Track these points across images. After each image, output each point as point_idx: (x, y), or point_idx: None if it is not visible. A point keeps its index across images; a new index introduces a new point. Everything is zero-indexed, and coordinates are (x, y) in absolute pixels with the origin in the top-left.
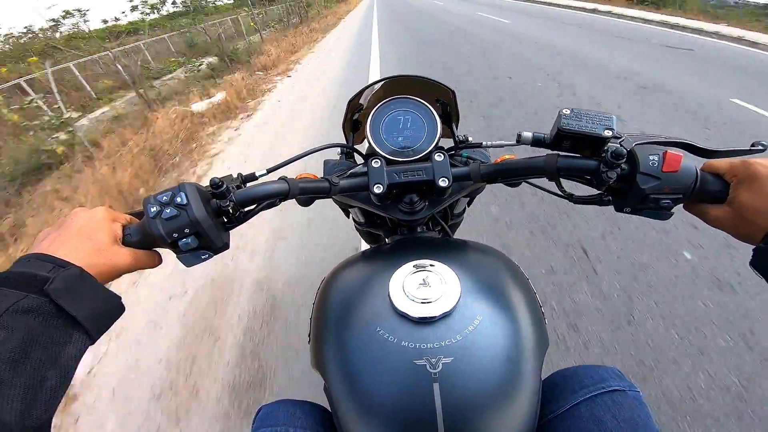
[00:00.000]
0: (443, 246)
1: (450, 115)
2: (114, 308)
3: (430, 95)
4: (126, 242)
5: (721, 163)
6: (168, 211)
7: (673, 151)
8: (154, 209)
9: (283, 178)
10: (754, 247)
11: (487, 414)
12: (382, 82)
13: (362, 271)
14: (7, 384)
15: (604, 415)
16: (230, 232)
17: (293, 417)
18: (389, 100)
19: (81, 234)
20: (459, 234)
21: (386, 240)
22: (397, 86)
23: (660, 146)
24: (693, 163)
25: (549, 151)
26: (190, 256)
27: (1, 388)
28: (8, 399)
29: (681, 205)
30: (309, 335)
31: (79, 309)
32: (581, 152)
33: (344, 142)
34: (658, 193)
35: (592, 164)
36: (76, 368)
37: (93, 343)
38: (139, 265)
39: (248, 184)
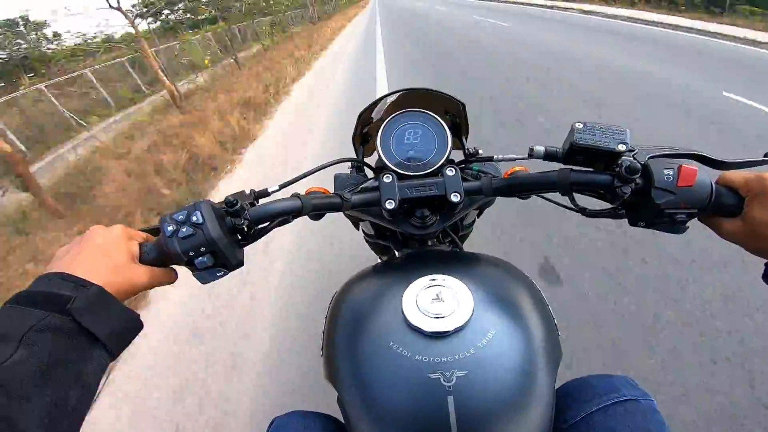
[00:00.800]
0: (455, 259)
1: (460, 128)
2: (133, 325)
3: (440, 108)
4: (143, 260)
5: (735, 176)
6: (184, 230)
7: (687, 164)
8: (170, 228)
9: (296, 195)
10: (766, 262)
11: (502, 425)
12: (392, 96)
13: (374, 285)
14: (31, 402)
15: (618, 425)
16: (244, 249)
17: (306, 429)
18: (399, 114)
19: (100, 252)
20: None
21: (396, 253)
22: (406, 99)
23: (674, 159)
24: (708, 177)
25: (561, 166)
26: (206, 274)
27: (27, 406)
28: (33, 417)
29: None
30: (322, 348)
31: (101, 327)
32: (594, 166)
33: (354, 155)
34: (674, 208)
35: (606, 179)
36: (98, 385)
37: (113, 359)
38: (156, 283)
39: (261, 200)
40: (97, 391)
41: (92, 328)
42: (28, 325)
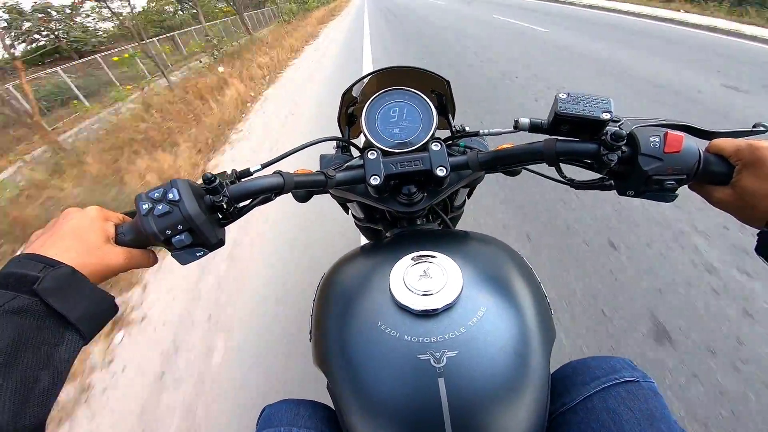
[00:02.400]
0: (444, 237)
1: (446, 106)
2: (107, 308)
3: (425, 86)
4: (119, 241)
5: (726, 143)
6: (160, 207)
7: (674, 131)
8: (145, 206)
9: (278, 172)
10: (758, 232)
11: (495, 408)
12: (376, 74)
13: (362, 265)
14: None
15: (618, 407)
16: (225, 228)
17: (297, 416)
18: (384, 92)
19: (73, 234)
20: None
21: (386, 234)
22: (391, 78)
23: (660, 128)
24: (695, 143)
25: (547, 137)
26: (184, 254)
27: None
28: (0, 400)
29: (686, 186)
30: (310, 333)
31: (71, 309)
32: (580, 136)
33: (340, 136)
34: (662, 174)
35: (592, 147)
36: (69, 368)
37: (86, 343)
38: (133, 264)
39: (243, 180)
40: (68, 373)
41: (62, 310)
42: None
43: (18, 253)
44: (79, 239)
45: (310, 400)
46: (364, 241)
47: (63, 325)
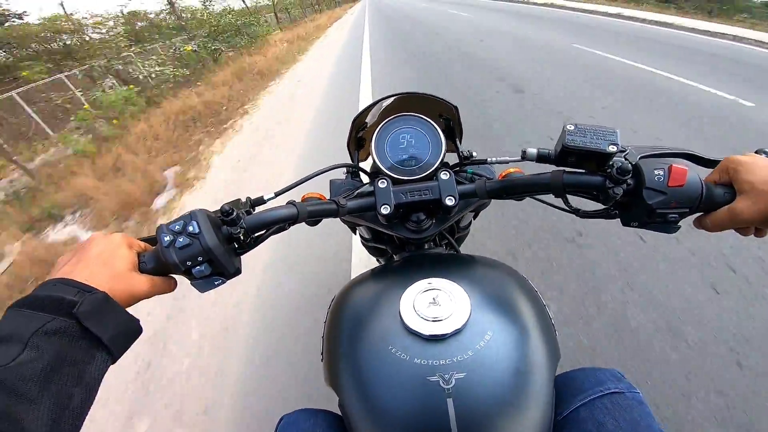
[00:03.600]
0: (451, 262)
1: (453, 131)
2: (133, 330)
3: (433, 111)
4: (142, 269)
5: (714, 173)
6: (181, 240)
7: (678, 164)
8: (167, 238)
9: (291, 203)
10: None
11: (501, 427)
12: (386, 101)
13: (372, 290)
14: (36, 402)
15: (604, 418)
16: (241, 257)
17: (315, 426)
18: (393, 118)
19: (100, 261)
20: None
21: (394, 256)
22: (400, 103)
23: (664, 159)
24: (697, 176)
25: (554, 167)
26: (203, 283)
27: (31, 405)
28: (37, 416)
29: (689, 218)
30: (322, 353)
31: (104, 331)
32: (586, 167)
33: (348, 160)
34: (665, 207)
35: (598, 180)
36: (98, 386)
37: (114, 362)
38: (156, 291)
39: (257, 208)
40: (97, 391)
41: (97, 332)
42: (34, 327)
43: (48, 277)
44: (106, 266)
45: (327, 411)
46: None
47: (95, 345)
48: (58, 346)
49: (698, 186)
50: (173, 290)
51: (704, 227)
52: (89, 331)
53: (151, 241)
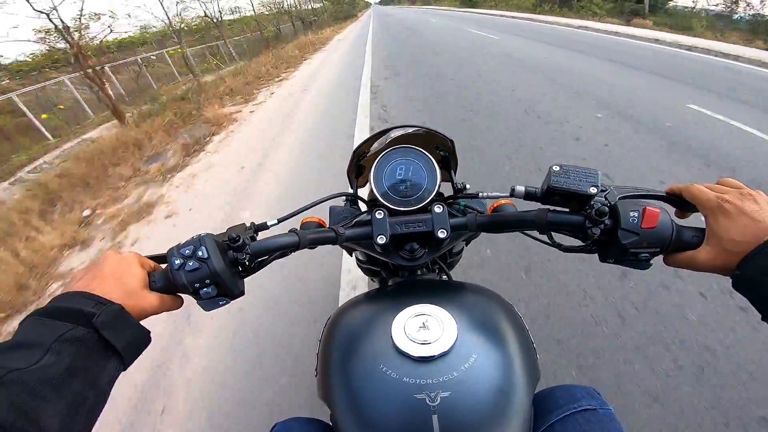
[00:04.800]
0: (441, 289)
1: (449, 162)
2: (144, 340)
3: (430, 143)
4: (152, 287)
5: (700, 193)
6: (191, 263)
7: (652, 207)
8: (177, 261)
9: (293, 231)
10: (732, 274)
11: None
12: (387, 134)
13: (366, 312)
14: (53, 402)
15: None
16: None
17: None
18: (391, 149)
19: (114, 277)
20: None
21: (389, 282)
22: (399, 135)
23: (642, 200)
24: (669, 218)
25: (540, 205)
26: (209, 302)
27: (48, 405)
28: (52, 415)
29: (661, 258)
30: (316, 369)
31: (119, 340)
32: (570, 205)
33: (349, 187)
34: (637, 247)
35: (578, 220)
36: (110, 391)
37: (125, 369)
38: (164, 309)
39: (260, 233)
40: (109, 394)
41: (112, 341)
42: (55, 335)
43: (64, 290)
44: (120, 282)
45: (320, 420)
46: None
47: (110, 353)
48: (76, 352)
49: (669, 228)
50: (180, 307)
51: (668, 264)
52: (105, 340)
53: (160, 259)
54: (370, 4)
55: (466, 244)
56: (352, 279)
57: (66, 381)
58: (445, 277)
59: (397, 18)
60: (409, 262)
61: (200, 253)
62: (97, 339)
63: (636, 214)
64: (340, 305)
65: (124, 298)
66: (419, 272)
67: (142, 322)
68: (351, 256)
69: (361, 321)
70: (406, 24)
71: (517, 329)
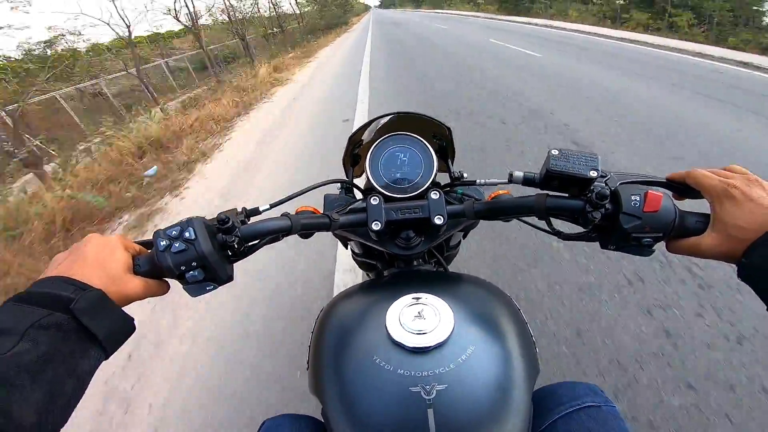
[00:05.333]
0: (438, 279)
1: (447, 151)
2: (127, 328)
3: (427, 131)
4: (136, 272)
5: (704, 179)
6: (177, 245)
7: (654, 191)
8: (163, 243)
9: (285, 215)
10: (737, 262)
11: None
12: (382, 119)
13: (360, 303)
14: (27, 391)
15: (580, 431)
16: (233, 265)
17: (297, 431)
18: (388, 137)
19: (96, 261)
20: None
21: (384, 273)
22: (395, 122)
23: (643, 186)
24: (672, 202)
25: (539, 190)
26: (196, 287)
27: (22, 393)
28: (27, 405)
29: (663, 243)
30: (308, 362)
31: (98, 327)
32: (569, 191)
33: (344, 176)
34: (640, 231)
35: (578, 204)
36: (90, 380)
37: (107, 358)
38: (149, 294)
39: (252, 219)
40: (88, 384)
41: (91, 327)
42: (30, 321)
43: (44, 275)
44: (102, 266)
45: (310, 416)
46: None
47: (89, 340)
48: (53, 339)
49: (672, 212)
50: (165, 293)
51: (671, 251)
52: (84, 326)
53: (147, 244)
54: (369, 7)
55: (464, 236)
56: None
57: (41, 369)
58: (442, 269)
59: (410, 31)
60: (405, 251)
61: (187, 234)
62: (75, 326)
63: (638, 198)
64: (333, 296)
65: (107, 283)
66: (416, 263)
67: (126, 309)
68: (346, 248)
69: (354, 312)
70: (431, 44)
71: (515, 322)
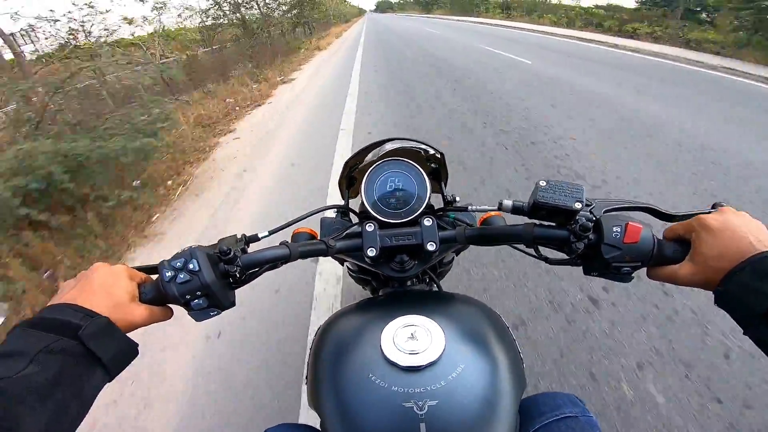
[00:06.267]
0: (430, 300)
1: (440, 175)
2: (131, 352)
3: (421, 156)
4: (142, 299)
5: (677, 227)
6: (182, 276)
7: (634, 222)
8: (168, 274)
9: (284, 243)
10: (714, 290)
11: None
12: (379, 147)
13: (356, 321)
14: (36, 410)
15: None
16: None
17: None
18: (383, 162)
19: (103, 289)
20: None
21: (380, 293)
22: (390, 147)
23: (625, 214)
24: (651, 233)
25: (528, 220)
26: (200, 313)
27: (30, 414)
28: (34, 424)
29: (645, 270)
30: (306, 377)
31: (105, 352)
32: (555, 220)
33: (340, 199)
34: (620, 261)
35: (564, 234)
36: (93, 401)
37: (111, 380)
38: (153, 320)
39: (251, 245)
40: (92, 404)
41: (98, 352)
42: (40, 346)
43: (53, 301)
44: (108, 295)
45: (309, 426)
46: None
47: (95, 364)
48: (62, 363)
49: (650, 243)
50: (169, 318)
51: (651, 277)
52: (91, 351)
53: (150, 270)
54: (364, 11)
55: (456, 255)
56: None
57: (49, 391)
58: (435, 287)
59: (431, 54)
60: (399, 274)
61: (191, 266)
62: (82, 350)
63: (618, 230)
64: (330, 314)
65: (112, 311)
66: (409, 282)
67: (131, 334)
68: (342, 265)
69: (351, 330)
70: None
71: (503, 339)
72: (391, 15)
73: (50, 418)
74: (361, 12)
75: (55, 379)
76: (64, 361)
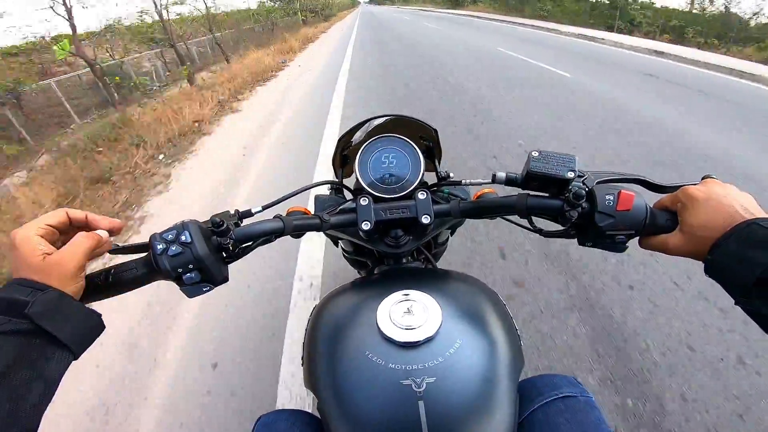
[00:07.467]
0: (426, 276)
1: (433, 152)
2: (95, 325)
3: (415, 133)
4: (133, 275)
5: (665, 199)
6: (173, 248)
7: (627, 190)
8: (160, 246)
9: (278, 217)
10: (704, 259)
11: (469, 428)
12: (372, 122)
13: (352, 299)
14: None
15: (557, 419)
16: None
17: (292, 426)
18: (376, 138)
19: (33, 255)
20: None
21: (374, 271)
22: (383, 124)
23: (617, 184)
24: (644, 201)
25: (521, 190)
26: (192, 288)
27: None
28: None
29: (637, 240)
30: (302, 358)
31: (60, 329)
32: (549, 190)
33: (334, 177)
34: (614, 229)
35: (557, 204)
36: (58, 383)
37: (76, 359)
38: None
39: (245, 221)
40: (58, 386)
41: (53, 331)
42: None
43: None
44: (48, 262)
45: (305, 411)
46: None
47: (53, 343)
48: (14, 346)
49: (643, 211)
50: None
51: (643, 247)
52: (45, 330)
53: (140, 248)
54: (358, 2)
55: (452, 233)
56: None
57: (5, 375)
58: (430, 266)
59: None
60: (394, 249)
61: (183, 238)
62: (36, 330)
63: (611, 198)
64: (325, 294)
65: (62, 280)
66: (405, 261)
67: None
68: (336, 246)
69: (346, 308)
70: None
71: (501, 316)
72: (390, 8)
73: (9, 404)
74: (354, 3)
75: (9, 363)
76: (18, 343)
